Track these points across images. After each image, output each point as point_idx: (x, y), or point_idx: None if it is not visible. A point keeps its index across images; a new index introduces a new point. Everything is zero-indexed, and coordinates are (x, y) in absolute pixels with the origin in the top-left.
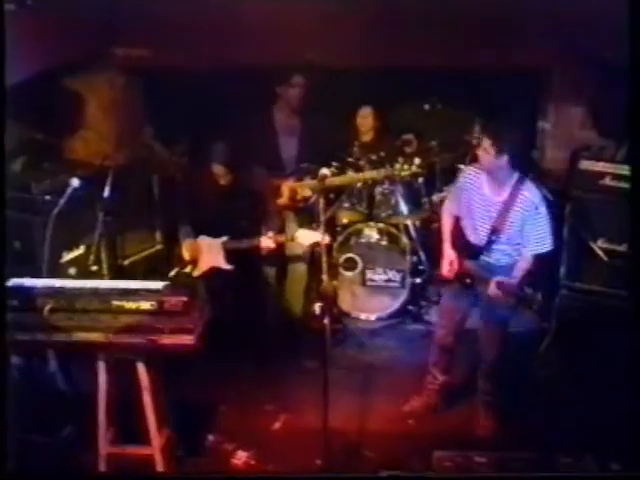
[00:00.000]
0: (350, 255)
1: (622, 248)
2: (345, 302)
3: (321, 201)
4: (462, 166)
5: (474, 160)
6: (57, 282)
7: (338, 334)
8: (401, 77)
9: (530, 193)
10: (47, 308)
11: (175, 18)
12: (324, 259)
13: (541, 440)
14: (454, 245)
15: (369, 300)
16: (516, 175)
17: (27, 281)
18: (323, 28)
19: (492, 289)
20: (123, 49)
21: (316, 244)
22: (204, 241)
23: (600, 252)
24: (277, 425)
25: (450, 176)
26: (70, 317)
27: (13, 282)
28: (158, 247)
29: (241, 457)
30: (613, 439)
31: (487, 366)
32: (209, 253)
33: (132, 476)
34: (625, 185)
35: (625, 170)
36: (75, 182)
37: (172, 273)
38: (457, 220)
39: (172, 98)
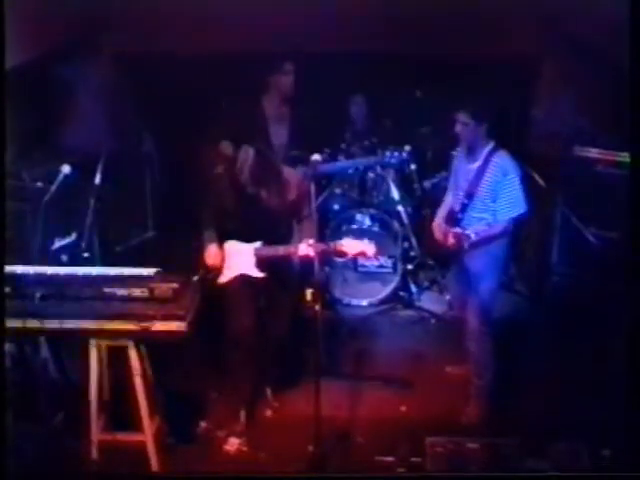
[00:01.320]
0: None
1: (614, 235)
2: (336, 288)
3: (312, 187)
4: (454, 152)
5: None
6: (48, 269)
7: (329, 320)
8: (393, 64)
9: (501, 160)
10: (38, 295)
11: (164, 4)
12: (315, 245)
13: (533, 426)
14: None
15: (360, 286)
16: (491, 144)
17: (18, 268)
18: (314, 15)
19: (449, 238)
20: (112, 35)
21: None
22: (233, 246)
23: (592, 238)
24: (269, 412)
25: (442, 163)
26: (61, 304)
27: (4, 269)
28: (150, 234)
29: (233, 444)
30: (605, 426)
31: (472, 356)
32: (238, 259)
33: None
34: (617, 172)
35: (618, 157)
36: (66, 169)
37: (195, 278)
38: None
39: (161, 85)
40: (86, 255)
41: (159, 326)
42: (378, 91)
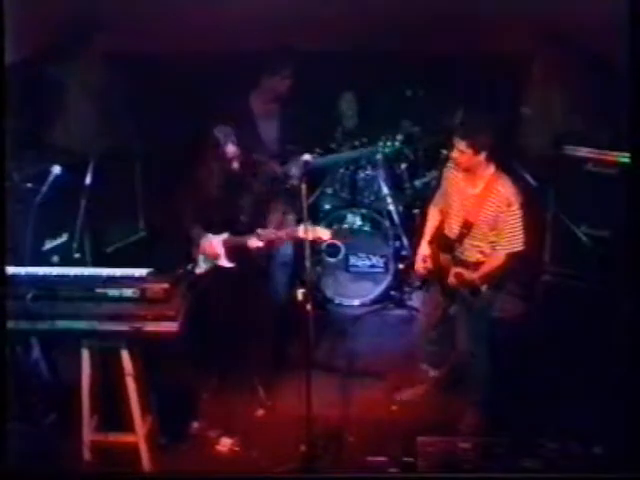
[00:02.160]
0: (333, 241)
1: (605, 233)
2: (328, 288)
3: (303, 187)
4: (444, 151)
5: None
6: (40, 270)
7: (321, 320)
8: (383, 63)
9: (504, 189)
10: (30, 296)
11: (156, 4)
12: (307, 245)
13: (525, 426)
14: (433, 241)
15: (352, 286)
16: (492, 169)
17: (10, 269)
18: (305, 13)
19: (451, 278)
20: (104, 35)
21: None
22: (211, 238)
23: (583, 237)
24: (261, 412)
25: (432, 162)
26: (53, 305)
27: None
28: (141, 234)
29: (225, 444)
30: (597, 424)
31: (463, 360)
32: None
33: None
34: (608, 170)
35: (609, 155)
36: (57, 169)
37: (181, 271)
38: (441, 217)
39: (153, 84)
40: (77, 256)
41: (151, 326)
42: (368, 90)
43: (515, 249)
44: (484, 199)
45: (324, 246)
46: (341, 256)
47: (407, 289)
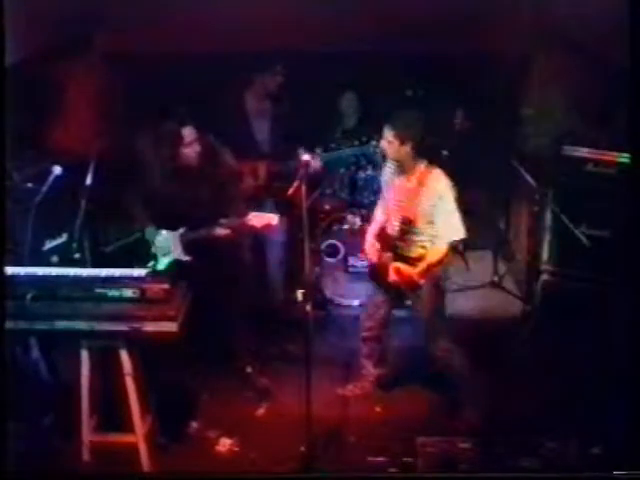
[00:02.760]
0: (332, 241)
1: (604, 233)
2: (327, 288)
3: (303, 188)
4: (445, 152)
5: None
6: (39, 270)
7: (320, 320)
8: (384, 63)
9: (436, 182)
10: (29, 296)
11: (155, 3)
12: (306, 245)
13: (524, 425)
14: (377, 238)
15: (351, 286)
16: (423, 163)
17: (9, 269)
18: (305, 13)
19: (391, 275)
20: (104, 35)
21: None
22: (166, 234)
23: (582, 237)
24: (260, 412)
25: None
26: (52, 305)
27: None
28: (141, 234)
29: (225, 444)
30: (596, 424)
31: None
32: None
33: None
34: (607, 171)
35: (609, 156)
36: (57, 170)
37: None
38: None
39: (152, 83)
40: (77, 256)
41: (150, 327)
42: (368, 90)
43: (454, 238)
44: (418, 193)
45: (323, 246)
46: (340, 256)
47: None
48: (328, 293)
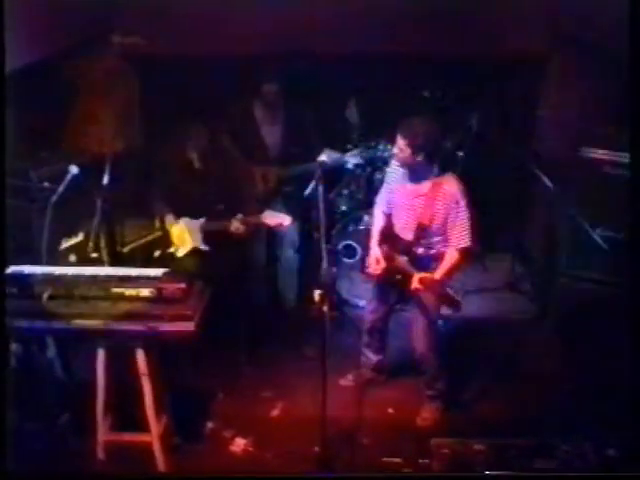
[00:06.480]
0: (349, 242)
1: (621, 236)
2: (344, 289)
3: (320, 188)
4: (460, 153)
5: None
6: (56, 269)
7: (336, 321)
8: (399, 64)
9: (450, 186)
10: (46, 295)
11: (170, 6)
12: (323, 246)
13: (540, 428)
14: (385, 242)
15: (367, 287)
16: (436, 169)
17: (26, 268)
18: (317, 16)
19: (414, 284)
20: (120, 36)
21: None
22: (186, 223)
23: (599, 240)
24: (275, 412)
25: (447, 164)
26: (69, 304)
27: (12, 269)
28: (157, 234)
29: (239, 444)
30: (611, 426)
31: (418, 357)
32: (190, 235)
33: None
34: (625, 173)
35: (625, 158)
36: (74, 169)
37: (156, 254)
38: (389, 217)
39: (167, 85)
40: (94, 255)
41: (167, 326)
42: (384, 92)
43: (462, 246)
44: (433, 199)
45: (340, 247)
46: (357, 257)
47: None
48: (344, 294)
